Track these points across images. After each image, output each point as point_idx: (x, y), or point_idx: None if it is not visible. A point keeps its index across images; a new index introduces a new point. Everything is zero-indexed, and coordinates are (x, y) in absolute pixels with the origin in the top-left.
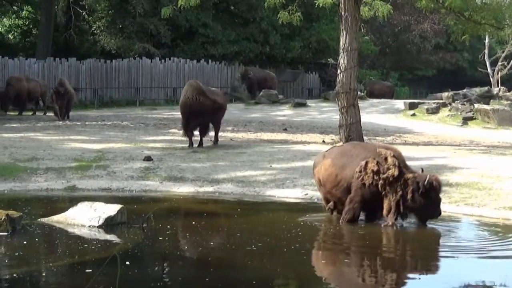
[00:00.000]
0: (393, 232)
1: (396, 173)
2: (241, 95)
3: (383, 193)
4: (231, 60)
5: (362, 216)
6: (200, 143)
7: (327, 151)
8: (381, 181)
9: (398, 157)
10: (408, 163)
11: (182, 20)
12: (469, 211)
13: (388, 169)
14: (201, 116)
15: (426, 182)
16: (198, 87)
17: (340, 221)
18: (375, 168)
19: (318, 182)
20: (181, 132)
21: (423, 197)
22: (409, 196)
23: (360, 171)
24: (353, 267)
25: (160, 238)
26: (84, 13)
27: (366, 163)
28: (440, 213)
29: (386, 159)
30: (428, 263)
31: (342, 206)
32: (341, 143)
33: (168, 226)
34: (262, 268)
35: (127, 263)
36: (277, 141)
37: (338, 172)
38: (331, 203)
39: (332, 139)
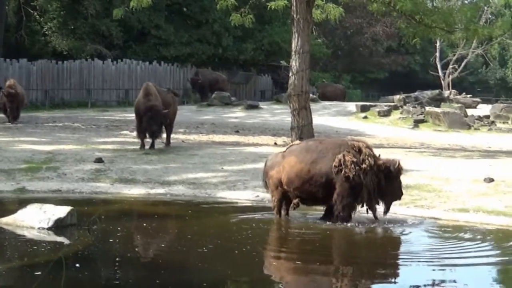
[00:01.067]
0: (348, 233)
1: (372, 162)
2: (191, 99)
3: (364, 183)
4: (183, 62)
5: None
6: (152, 145)
7: (284, 151)
8: (361, 172)
9: (369, 147)
10: None
11: (134, 22)
12: (419, 213)
13: (364, 159)
14: (152, 117)
15: (396, 166)
16: (148, 88)
17: (334, 219)
18: (354, 160)
19: (276, 183)
20: (133, 133)
21: (393, 181)
22: (383, 182)
23: (340, 165)
24: (304, 269)
25: (110, 240)
26: (35, 13)
27: (344, 156)
28: (402, 195)
29: (360, 150)
30: (376, 266)
31: (312, 202)
32: (297, 142)
33: (119, 228)
34: (213, 270)
35: (77, 265)
36: (229, 143)
37: (309, 167)
38: (296, 201)
39: (284, 141)
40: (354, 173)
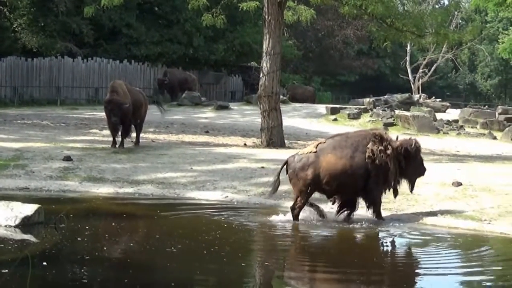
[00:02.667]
0: (322, 233)
1: (394, 145)
2: (160, 99)
3: (390, 169)
4: (154, 61)
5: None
6: (121, 144)
7: (315, 151)
8: (388, 158)
9: (387, 133)
10: None
11: (105, 20)
12: (388, 216)
13: (387, 146)
14: (111, 110)
15: (413, 146)
16: (114, 85)
17: (369, 207)
18: (381, 148)
19: (309, 183)
20: (103, 132)
21: (413, 160)
22: (403, 163)
23: (373, 155)
24: (271, 268)
25: (78, 239)
26: (5, 10)
27: (372, 147)
28: (426, 170)
29: (382, 138)
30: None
31: (346, 195)
32: (322, 140)
33: (87, 227)
34: (181, 270)
35: (44, 263)
36: (199, 144)
37: (351, 162)
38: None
39: (254, 142)
40: (383, 161)
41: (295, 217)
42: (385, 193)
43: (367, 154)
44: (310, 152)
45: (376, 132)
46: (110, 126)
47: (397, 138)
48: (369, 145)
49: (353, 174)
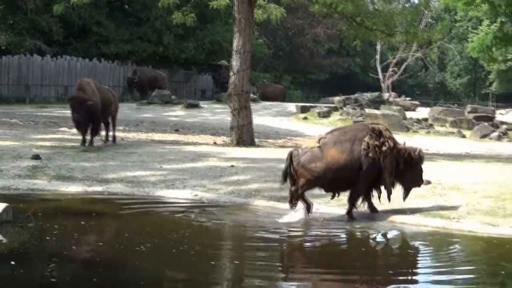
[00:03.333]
0: (288, 231)
1: (392, 144)
2: (129, 96)
3: (383, 164)
4: (124, 60)
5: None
6: (91, 142)
7: (318, 146)
8: (381, 154)
9: (389, 130)
10: None
11: (75, 18)
12: (357, 214)
13: (384, 142)
14: (73, 107)
15: (417, 153)
16: (81, 83)
17: (348, 201)
18: (376, 143)
19: (316, 176)
20: (72, 130)
21: (414, 167)
22: (401, 166)
23: (367, 148)
24: (241, 267)
25: (47, 238)
26: None
27: (368, 140)
28: (423, 183)
29: (380, 133)
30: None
31: (345, 189)
32: (322, 135)
33: (56, 226)
34: (150, 269)
35: (12, 262)
36: (169, 142)
37: (351, 156)
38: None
39: (224, 141)
40: (376, 155)
41: (300, 197)
42: (380, 190)
43: (362, 146)
44: (313, 147)
45: (375, 127)
46: (74, 123)
47: (404, 143)
48: (366, 138)
49: (353, 168)
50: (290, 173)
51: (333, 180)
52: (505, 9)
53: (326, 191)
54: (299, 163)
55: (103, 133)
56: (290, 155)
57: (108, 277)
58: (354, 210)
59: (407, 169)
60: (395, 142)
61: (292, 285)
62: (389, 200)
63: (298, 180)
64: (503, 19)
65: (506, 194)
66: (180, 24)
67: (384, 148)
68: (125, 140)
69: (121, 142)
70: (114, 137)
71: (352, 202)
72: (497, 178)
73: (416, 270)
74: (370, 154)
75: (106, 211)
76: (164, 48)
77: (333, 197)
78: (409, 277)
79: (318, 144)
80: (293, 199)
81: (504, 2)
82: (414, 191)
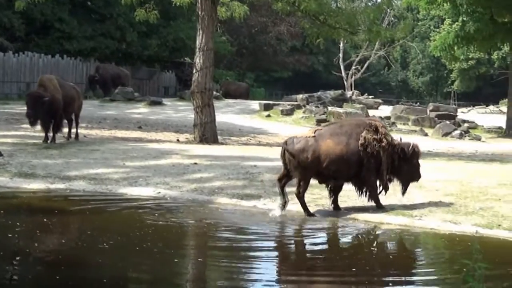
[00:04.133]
0: (251, 228)
1: (389, 139)
2: (94, 93)
3: (382, 159)
4: (86, 56)
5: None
6: (53, 139)
7: (313, 136)
8: (381, 149)
9: (384, 126)
10: (262, 163)
11: (37, 14)
12: (320, 212)
13: (381, 138)
14: (27, 103)
15: (410, 148)
16: (42, 80)
17: (365, 192)
18: (374, 137)
19: (309, 165)
20: (35, 127)
21: (409, 162)
22: (396, 162)
23: (363, 144)
24: (204, 264)
25: (9, 235)
26: None
27: (365, 135)
28: (420, 177)
29: (376, 129)
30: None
31: (342, 180)
32: (319, 127)
33: (18, 223)
34: (113, 266)
35: None
36: (132, 139)
37: (347, 149)
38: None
39: (187, 138)
40: (375, 150)
41: (302, 203)
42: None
43: (360, 141)
44: (308, 136)
45: (372, 122)
46: (27, 119)
47: (400, 139)
48: (363, 133)
49: (348, 160)
50: (284, 161)
51: (330, 170)
52: (467, 8)
53: (321, 182)
54: (292, 153)
55: (65, 130)
56: (285, 143)
57: (71, 275)
58: (319, 208)
59: (402, 165)
60: (391, 138)
61: (255, 282)
62: (385, 193)
63: (294, 176)
64: (464, 18)
65: (467, 192)
66: (143, 21)
67: (382, 144)
68: (88, 137)
69: (84, 139)
70: (76, 134)
71: (371, 197)
72: (458, 176)
73: (377, 268)
74: (368, 149)
75: (69, 208)
76: (127, 45)
77: (327, 188)
78: (372, 275)
79: (313, 135)
80: (301, 203)
81: (466, 1)
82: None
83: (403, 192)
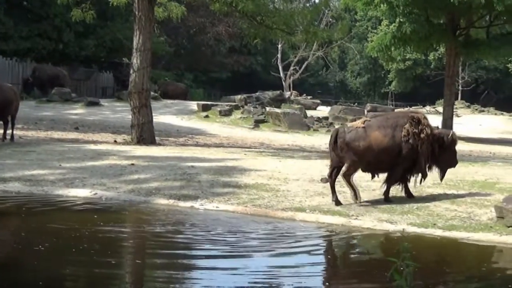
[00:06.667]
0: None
1: (429, 131)
2: (29, 94)
3: (420, 151)
4: (23, 57)
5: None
6: None
7: (363, 126)
8: (420, 141)
9: (426, 118)
10: (200, 164)
11: None
12: (257, 212)
13: (422, 130)
14: None
15: (450, 137)
16: None
17: (386, 185)
18: (416, 130)
19: (358, 153)
20: None
21: (447, 150)
22: (436, 150)
23: (406, 135)
24: (141, 265)
25: None
26: None
27: (408, 128)
28: (457, 163)
29: (419, 121)
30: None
31: (383, 170)
32: (367, 118)
33: None
34: (50, 268)
35: None
36: (68, 140)
37: (392, 141)
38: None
39: (124, 139)
40: (416, 142)
41: (348, 182)
42: (413, 176)
43: (402, 133)
44: (358, 127)
45: (414, 115)
46: None
47: (437, 128)
48: (406, 126)
49: (393, 152)
50: (334, 150)
51: (375, 160)
52: (403, 9)
53: (364, 171)
54: (345, 140)
55: (0, 131)
56: (336, 132)
57: (6, 277)
58: (262, 209)
59: (441, 153)
60: (431, 129)
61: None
62: (421, 183)
63: (345, 161)
64: (401, 19)
65: (403, 192)
66: (80, 21)
67: (422, 135)
68: (24, 138)
69: (20, 141)
70: (12, 135)
71: (389, 184)
72: None
73: (314, 267)
74: (410, 141)
75: (3, 210)
76: (64, 45)
77: (372, 177)
78: (308, 272)
79: (363, 125)
80: (346, 182)
81: (402, 2)
82: (314, 189)
83: (441, 178)
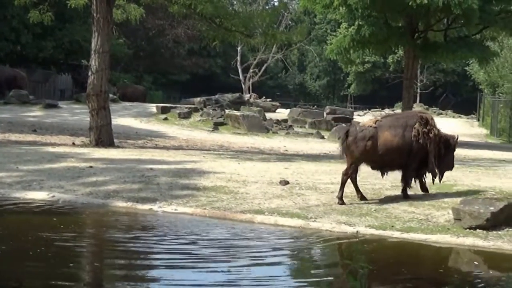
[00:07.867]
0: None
1: (437, 132)
2: None
3: (429, 150)
4: None
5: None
6: None
7: (374, 126)
8: (429, 140)
9: (433, 119)
10: (158, 166)
11: None
12: (215, 215)
13: (430, 130)
14: None
15: (455, 140)
16: None
17: (404, 184)
18: (425, 130)
19: (367, 151)
20: None
21: (450, 152)
22: (442, 151)
23: (416, 135)
24: (100, 268)
25: None
26: None
27: (418, 127)
28: (454, 166)
29: (427, 121)
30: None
31: (392, 168)
32: (378, 118)
33: None
34: (5, 272)
35: None
36: (26, 143)
37: (402, 141)
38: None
39: (83, 141)
40: (425, 142)
41: (343, 182)
42: (426, 175)
43: (413, 133)
44: (370, 126)
45: (423, 115)
46: None
47: (438, 131)
48: (416, 125)
49: (403, 151)
50: (343, 146)
51: (384, 158)
52: (362, 12)
53: (374, 168)
54: (355, 139)
55: None
56: (347, 131)
57: None
58: (220, 212)
59: (445, 154)
60: (438, 130)
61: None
62: (433, 182)
63: (347, 159)
64: (360, 22)
65: (359, 195)
66: (38, 22)
67: (431, 135)
68: None
69: None
70: None
71: (405, 182)
72: None
73: (269, 267)
74: (420, 140)
75: None
76: (22, 47)
77: (382, 175)
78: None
79: (374, 125)
80: (342, 181)
81: (361, 5)
82: (273, 191)
83: (440, 180)
